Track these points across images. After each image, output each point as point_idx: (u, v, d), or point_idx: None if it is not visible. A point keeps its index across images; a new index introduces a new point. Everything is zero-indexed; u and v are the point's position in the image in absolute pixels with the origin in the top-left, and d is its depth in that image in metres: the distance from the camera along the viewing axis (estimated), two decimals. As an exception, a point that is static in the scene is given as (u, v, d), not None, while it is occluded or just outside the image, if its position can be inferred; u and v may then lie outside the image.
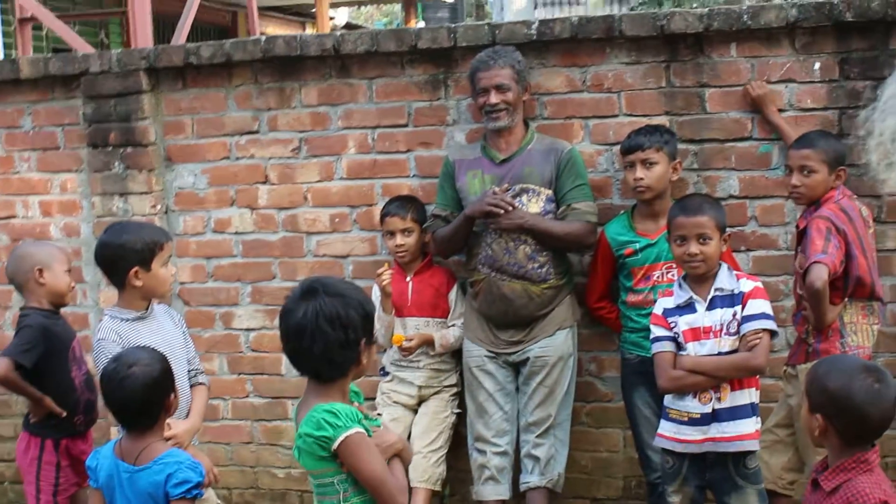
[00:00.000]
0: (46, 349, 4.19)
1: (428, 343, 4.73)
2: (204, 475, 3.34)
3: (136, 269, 3.87)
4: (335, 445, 2.79)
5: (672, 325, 3.98)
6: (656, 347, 3.99)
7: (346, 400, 2.92)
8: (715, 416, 3.91)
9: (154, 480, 3.20)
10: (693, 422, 3.94)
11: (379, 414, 4.65)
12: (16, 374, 4.14)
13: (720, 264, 4.01)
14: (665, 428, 4.04)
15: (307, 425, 2.82)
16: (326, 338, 2.80)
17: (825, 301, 3.92)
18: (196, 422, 4.00)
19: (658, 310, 4.06)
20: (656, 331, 4.02)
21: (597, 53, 4.71)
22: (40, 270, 4.25)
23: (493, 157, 4.57)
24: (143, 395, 3.26)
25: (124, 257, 3.87)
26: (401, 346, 4.68)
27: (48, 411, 4.22)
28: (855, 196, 4.19)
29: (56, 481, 4.26)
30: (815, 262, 3.86)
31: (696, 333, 3.94)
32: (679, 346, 3.97)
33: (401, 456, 3.01)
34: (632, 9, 12.63)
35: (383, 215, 4.79)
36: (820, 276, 3.85)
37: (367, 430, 2.86)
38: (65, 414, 4.23)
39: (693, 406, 3.94)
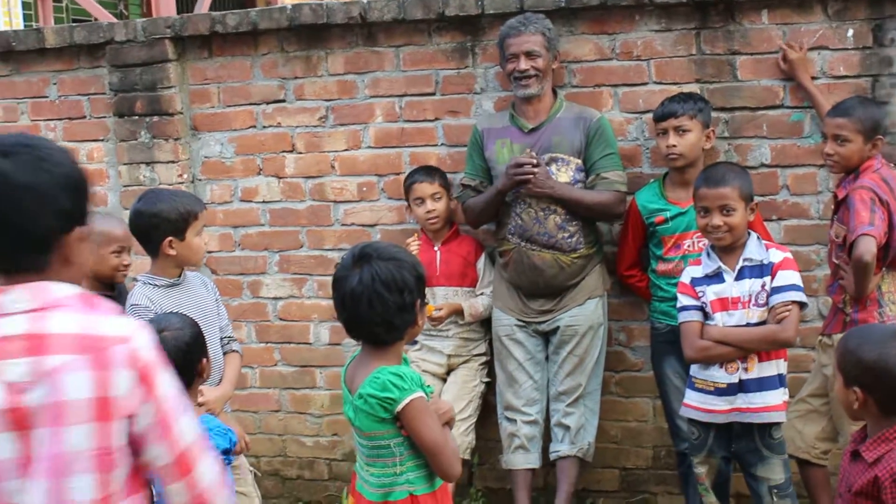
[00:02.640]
0: None
1: (457, 312, 4.73)
2: (235, 442, 3.32)
3: (170, 238, 3.86)
4: (399, 408, 2.84)
5: (700, 294, 3.98)
6: (683, 317, 4.02)
7: (401, 363, 2.89)
8: (742, 387, 3.95)
9: None
10: (719, 392, 4.00)
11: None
12: None
13: (749, 233, 4.02)
14: (691, 398, 4.07)
15: (371, 386, 2.86)
16: (385, 302, 2.84)
17: (871, 273, 3.87)
18: (228, 389, 4.03)
19: (685, 278, 4.07)
20: (683, 300, 4.06)
21: (626, 21, 4.72)
22: None
23: (521, 126, 4.55)
24: (174, 360, 3.23)
25: (158, 227, 3.88)
26: (430, 316, 4.63)
27: None
28: (893, 164, 4.10)
29: None
30: (863, 235, 3.83)
31: (725, 303, 3.98)
32: (706, 316, 3.94)
33: (450, 424, 3.07)
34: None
35: (410, 185, 4.78)
36: (869, 248, 3.82)
37: (428, 394, 2.87)
38: None
39: (720, 376, 3.97)
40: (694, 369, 4.09)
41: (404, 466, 2.91)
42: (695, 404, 4.06)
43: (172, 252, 3.91)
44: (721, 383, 3.98)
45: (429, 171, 4.82)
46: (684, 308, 4.04)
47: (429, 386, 2.97)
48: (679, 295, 4.08)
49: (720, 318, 3.97)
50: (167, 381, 2.06)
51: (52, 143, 2.10)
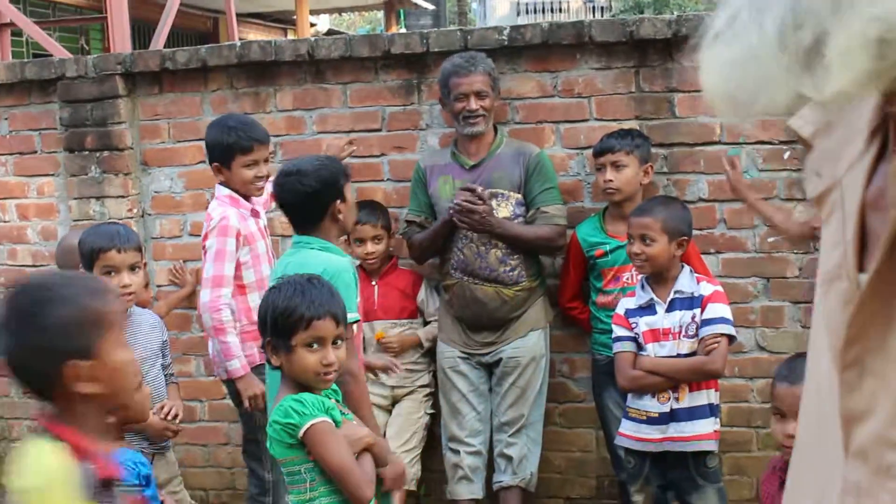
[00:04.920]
0: None
1: (412, 345, 4.77)
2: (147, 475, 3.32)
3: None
4: (301, 433, 2.95)
5: (633, 325, 4.08)
6: (617, 347, 4.16)
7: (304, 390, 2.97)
8: (673, 416, 4.06)
9: None
10: (652, 421, 4.11)
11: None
12: None
13: (682, 266, 4.07)
14: (626, 427, 4.19)
15: (276, 413, 3.02)
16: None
17: None
18: (179, 405, 4.23)
19: (620, 310, 4.23)
20: (617, 331, 4.21)
21: (567, 59, 4.77)
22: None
23: (462, 162, 4.64)
24: None
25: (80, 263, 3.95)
26: (381, 340, 4.70)
27: None
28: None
29: None
30: None
31: (656, 335, 4.08)
32: (640, 347, 4.03)
33: (373, 451, 3.15)
34: (613, 16, 12.70)
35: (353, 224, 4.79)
36: None
37: (336, 420, 2.92)
38: None
39: (652, 405, 4.08)
40: (628, 399, 4.19)
41: (316, 492, 3.00)
42: (629, 433, 4.16)
43: None
44: (653, 412, 4.08)
45: (373, 212, 4.89)
46: (618, 339, 4.16)
47: (347, 413, 3.07)
48: (613, 326, 4.20)
49: (652, 349, 4.08)
50: (212, 240, 4.28)
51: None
